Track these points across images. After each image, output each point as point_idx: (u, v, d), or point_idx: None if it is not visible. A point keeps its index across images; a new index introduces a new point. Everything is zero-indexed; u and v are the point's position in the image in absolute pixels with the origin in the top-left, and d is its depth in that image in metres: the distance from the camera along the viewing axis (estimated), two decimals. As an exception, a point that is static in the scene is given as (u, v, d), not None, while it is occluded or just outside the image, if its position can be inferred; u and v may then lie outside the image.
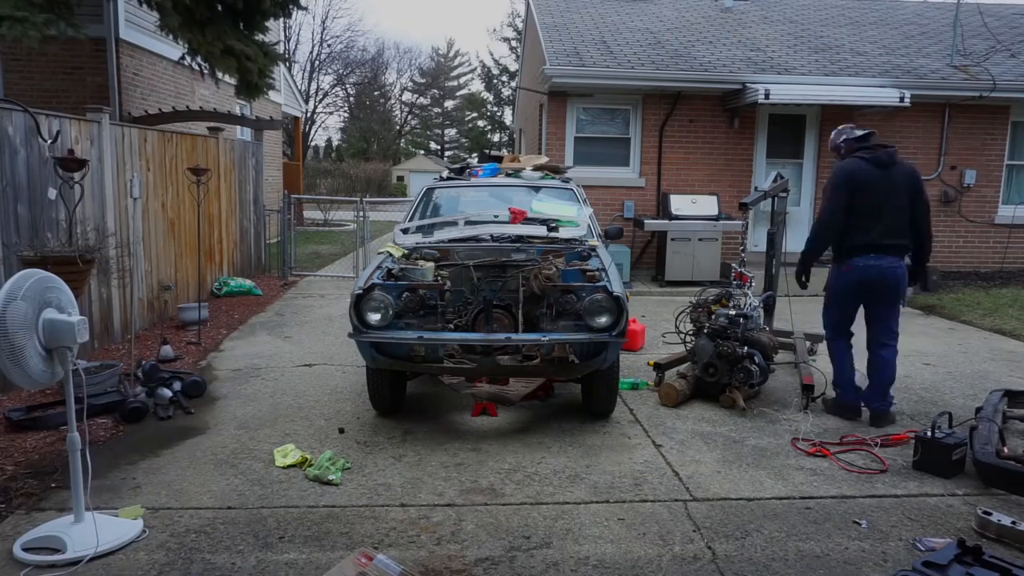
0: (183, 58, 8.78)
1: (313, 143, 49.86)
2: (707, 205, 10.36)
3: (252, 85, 8.92)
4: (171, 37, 8.16)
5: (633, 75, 10.56)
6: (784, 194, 6.55)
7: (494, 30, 78.54)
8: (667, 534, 3.37)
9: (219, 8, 8.15)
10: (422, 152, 58.75)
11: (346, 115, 54.41)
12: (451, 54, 58.92)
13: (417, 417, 4.90)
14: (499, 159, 7.61)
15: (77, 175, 4.88)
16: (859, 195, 4.66)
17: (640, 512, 3.58)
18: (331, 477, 3.86)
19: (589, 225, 5.75)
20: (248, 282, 9.60)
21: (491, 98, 48.56)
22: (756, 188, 7.48)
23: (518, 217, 5.67)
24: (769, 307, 6.35)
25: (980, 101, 10.86)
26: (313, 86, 45.47)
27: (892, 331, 4.86)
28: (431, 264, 4.87)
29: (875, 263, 4.69)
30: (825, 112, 11.06)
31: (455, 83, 58.85)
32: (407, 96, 58.13)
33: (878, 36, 12.85)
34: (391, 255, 5.12)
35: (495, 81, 46.38)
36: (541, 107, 12.11)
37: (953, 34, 11.74)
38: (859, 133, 4.88)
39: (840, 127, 5.08)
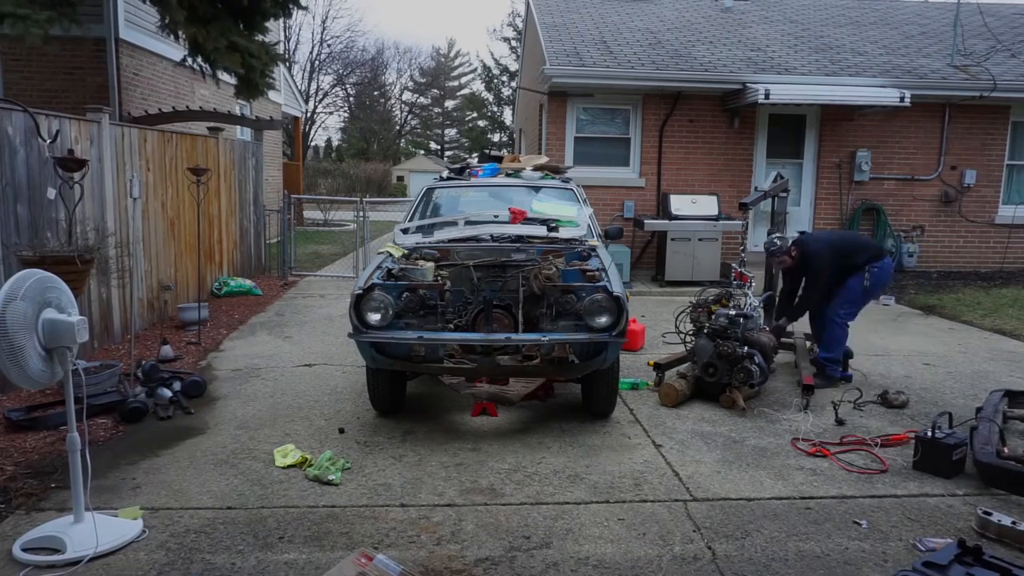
0: (185, 59, 8.77)
1: (313, 143, 49.87)
2: (707, 205, 10.36)
3: (253, 84, 8.91)
4: (172, 37, 8.15)
5: (633, 75, 10.55)
6: (784, 194, 6.56)
7: (494, 30, 78.63)
8: (667, 534, 3.36)
9: (220, 6, 8.14)
10: (422, 152, 58.72)
11: (346, 115, 54.45)
12: (451, 54, 58.93)
13: (417, 417, 4.90)
14: (499, 159, 7.60)
15: (77, 175, 4.87)
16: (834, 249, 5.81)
17: (640, 512, 3.58)
18: (331, 477, 3.85)
19: (589, 225, 5.75)
20: (248, 282, 9.60)
21: (491, 98, 48.53)
22: (756, 188, 7.49)
23: (518, 217, 5.67)
24: (769, 307, 6.35)
25: (980, 101, 10.86)
26: (313, 86, 45.50)
27: None
28: (431, 264, 4.87)
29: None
30: (825, 112, 11.06)
31: (455, 83, 58.84)
32: (407, 96, 58.16)
33: (878, 36, 12.85)
34: (391, 255, 5.12)
35: (495, 81, 46.35)
36: (541, 107, 12.11)
37: (953, 34, 11.74)
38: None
39: (772, 239, 5.85)
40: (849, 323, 5.70)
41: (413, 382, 5.35)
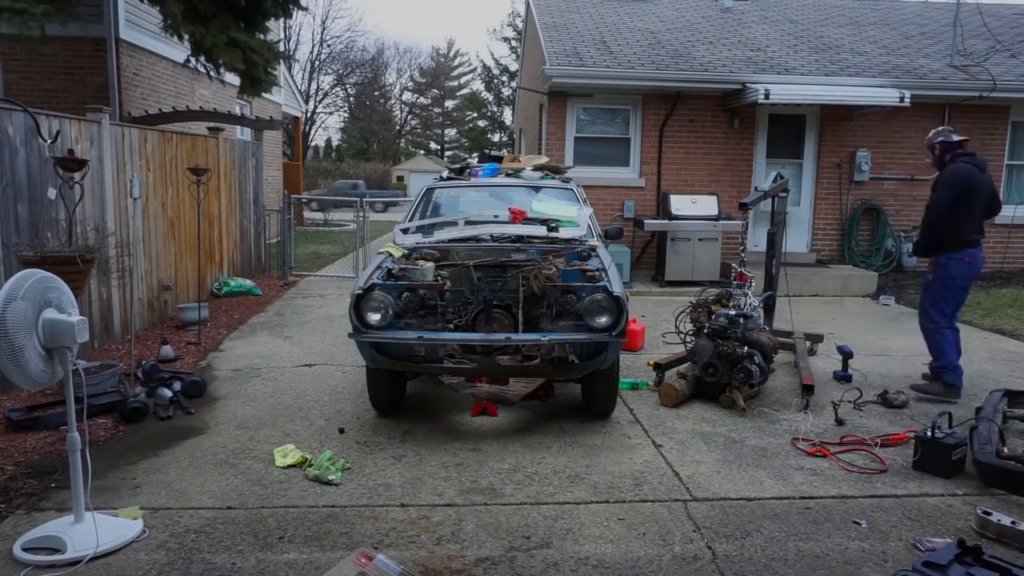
0: (188, 60, 8.76)
1: (313, 143, 49.88)
2: (707, 205, 10.36)
3: (257, 80, 8.89)
4: (176, 37, 8.15)
5: (633, 75, 10.56)
6: (784, 194, 6.56)
7: (494, 30, 78.63)
8: (667, 534, 3.37)
9: (221, 5, 8.13)
10: (422, 152, 58.75)
11: (346, 115, 54.49)
12: (451, 54, 59.01)
13: (417, 417, 4.90)
14: (499, 159, 7.60)
15: (77, 175, 4.87)
16: (973, 195, 5.27)
17: (640, 512, 3.58)
18: (331, 477, 3.86)
19: (589, 225, 5.75)
20: (248, 282, 9.60)
21: (491, 98, 48.53)
22: (756, 188, 7.49)
23: (518, 217, 5.67)
24: (769, 307, 6.35)
25: (980, 101, 10.86)
26: (313, 86, 45.54)
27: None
28: (431, 264, 4.87)
29: (983, 255, 5.41)
30: (825, 112, 11.06)
31: (455, 83, 58.90)
32: (407, 96, 58.25)
33: (878, 36, 12.85)
34: (391, 255, 5.12)
35: (495, 81, 46.36)
36: (541, 107, 12.11)
37: (953, 34, 11.74)
38: (956, 138, 5.39)
39: (938, 129, 5.50)
40: (944, 324, 5.36)
41: (413, 382, 5.36)
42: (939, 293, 5.40)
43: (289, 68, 22.53)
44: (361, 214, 10.93)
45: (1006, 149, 11.35)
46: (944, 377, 5.36)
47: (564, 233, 5.47)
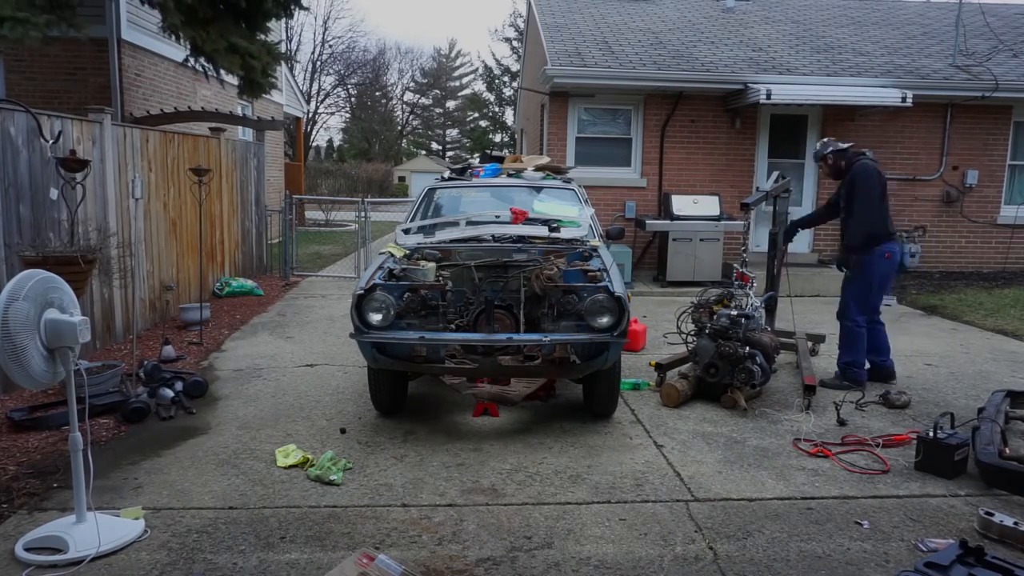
0: (187, 60, 8.78)
1: (315, 143, 49.91)
2: (709, 205, 10.35)
3: (256, 83, 8.92)
4: (174, 38, 8.17)
5: (635, 75, 10.55)
6: (786, 194, 6.55)
7: (496, 30, 78.48)
8: (668, 534, 3.37)
9: (221, 7, 8.15)
10: (423, 152, 58.74)
11: (348, 116, 54.49)
12: (453, 54, 58.98)
13: (419, 417, 4.91)
14: (500, 159, 7.60)
15: (79, 175, 4.88)
16: (886, 187, 5.54)
17: (642, 512, 3.58)
18: (332, 477, 3.86)
19: (590, 225, 5.74)
20: (250, 282, 9.61)
21: (493, 98, 48.58)
22: (758, 188, 7.48)
23: (519, 217, 5.66)
24: (771, 307, 6.34)
25: (982, 101, 10.85)
26: (315, 87, 45.54)
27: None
28: (432, 264, 4.87)
29: (899, 248, 5.57)
30: (827, 112, 11.05)
31: (457, 83, 58.89)
32: (408, 96, 58.23)
33: (880, 36, 12.84)
34: (392, 255, 5.12)
35: (497, 81, 46.40)
36: (543, 107, 12.11)
37: (955, 34, 11.73)
38: (843, 145, 5.70)
39: (824, 140, 5.84)
40: (862, 323, 5.58)
41: (414, 382, 5.36)
42: (861, 292, 5.56)
43: (290, 69, 22.56)
44: (362, 215, 10.92)
45: (1008, 149, 11.33)
46: (849, 373, 5.59)
47: (565, 233, 5.47)
